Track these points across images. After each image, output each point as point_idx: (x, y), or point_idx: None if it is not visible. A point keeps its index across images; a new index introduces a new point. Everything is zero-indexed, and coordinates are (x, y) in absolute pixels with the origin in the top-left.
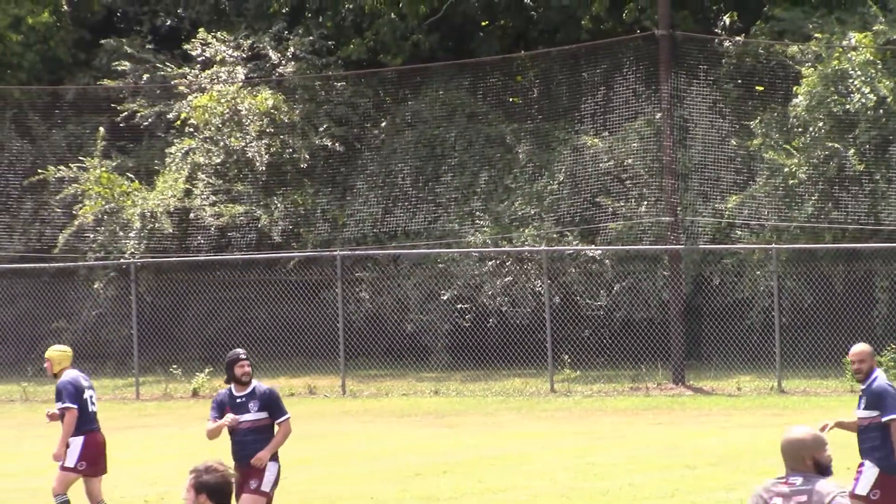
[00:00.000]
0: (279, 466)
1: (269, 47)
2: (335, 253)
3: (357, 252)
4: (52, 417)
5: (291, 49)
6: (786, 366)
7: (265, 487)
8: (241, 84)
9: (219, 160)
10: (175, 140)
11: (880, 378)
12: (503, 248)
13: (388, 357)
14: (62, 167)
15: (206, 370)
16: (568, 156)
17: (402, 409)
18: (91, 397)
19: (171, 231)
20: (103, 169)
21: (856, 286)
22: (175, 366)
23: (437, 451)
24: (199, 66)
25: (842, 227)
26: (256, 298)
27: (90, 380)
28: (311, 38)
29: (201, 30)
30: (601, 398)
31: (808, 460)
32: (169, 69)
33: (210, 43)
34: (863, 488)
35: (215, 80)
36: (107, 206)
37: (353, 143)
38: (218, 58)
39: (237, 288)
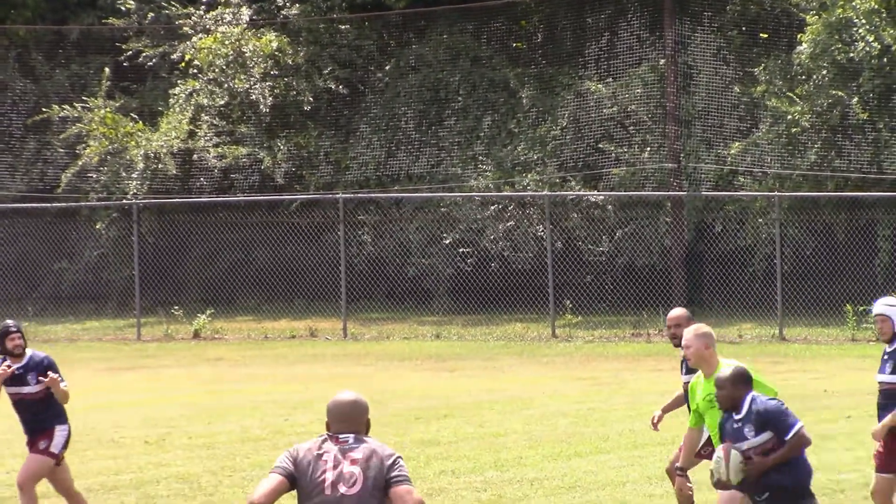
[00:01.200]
0: (69, 429)
1: None
2: (337, 196)
3: (359, 195)
4: None
5: None
6: (787, 313)
7: (54, 449)
8: (245, 26)
9: (223, 102)
10: (179, 81)
11: None
12: (505, 193)
13: (389, 300)
14: (66, 107)
15: (208, 311)
16: (571, 101)
17: (403, 353)
18: None
19: (174, 172)
20: (107, 109)
21: (858, 235)
22: (176, 307)
23: (438, 394)
24: (203, 6)
25: (844, 176)
26: (258, 240)
27: None
28: None
29: None
30: (602, 344)
31: (364, 421)
32: (174, 9)
33: None
34: None
35: (220, 22)
36: (110, 147)
37: (357, 86)
38: None
39: (239, 229)
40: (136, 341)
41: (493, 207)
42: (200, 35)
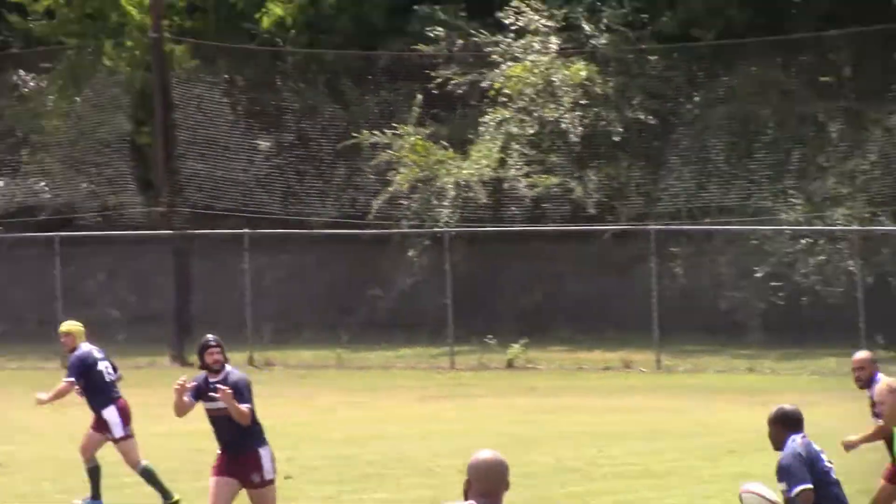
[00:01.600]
0: (270, 449)
1: (581, 18)
2: (649, 227)
3: (671, 227)
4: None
5: (605, 21)
6: None
7: (268, 476)
8: (554, 55)
9: (532, 131)
10: (488, 109)
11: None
12: (815, 227)
13: (702, 333)
14: (376, 133)
15: (522, 341)
16: (880, 136)
17: (716, 386)
18: (106, 368)
19: (484, 201)
20: (417, 137)
21: None
22: (490, 336)
23: (751, 428)
24: (512, 34)
25: None
26: (570, 270)
27: (104, 352)
28: (624, 10)
29: None
30: None
31: (505, 481)
32: (482, 37)
33: (524, 12)
34: None
35: (528, 50)
36: (421, 174)
37: (667, 117)
38: (531, 27)
39: (551, 259)
40: (450, 370)
41: (803, 241)
42: (509, 63)
